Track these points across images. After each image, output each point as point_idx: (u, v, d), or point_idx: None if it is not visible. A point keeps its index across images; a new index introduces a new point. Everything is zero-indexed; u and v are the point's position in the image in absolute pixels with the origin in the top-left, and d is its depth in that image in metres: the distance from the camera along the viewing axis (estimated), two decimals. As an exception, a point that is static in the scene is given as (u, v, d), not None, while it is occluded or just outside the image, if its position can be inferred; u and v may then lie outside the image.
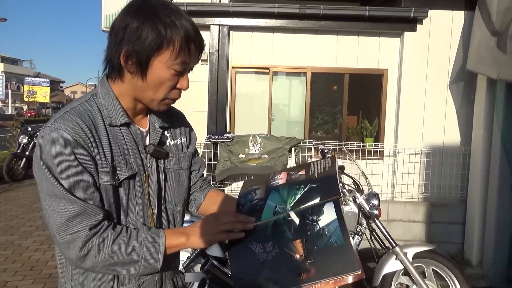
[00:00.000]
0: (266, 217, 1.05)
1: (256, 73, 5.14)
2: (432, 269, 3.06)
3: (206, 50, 4.91)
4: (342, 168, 3.11)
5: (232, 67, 4.99)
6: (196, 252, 2.95)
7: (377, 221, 2.98)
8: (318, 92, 5.14)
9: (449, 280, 3.04)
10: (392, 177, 4.85)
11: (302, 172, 1.15)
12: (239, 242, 1.03)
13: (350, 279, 0.87)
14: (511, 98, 4.05)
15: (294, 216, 1.00)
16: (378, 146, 4.83)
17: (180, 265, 3.05)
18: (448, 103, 4.78)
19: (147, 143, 1.13)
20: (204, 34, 4.94)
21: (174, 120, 1.28)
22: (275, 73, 5.08)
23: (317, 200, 1.01)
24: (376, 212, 2.94)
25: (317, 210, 0.99)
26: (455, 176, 4.71)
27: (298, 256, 0.92)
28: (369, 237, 3.07)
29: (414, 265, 2.95)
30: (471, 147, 4.61)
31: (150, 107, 1.10)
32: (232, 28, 4.91)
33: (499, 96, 4.12)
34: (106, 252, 0.94)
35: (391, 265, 2.95)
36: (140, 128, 1.13)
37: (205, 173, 1.44)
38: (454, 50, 4.73)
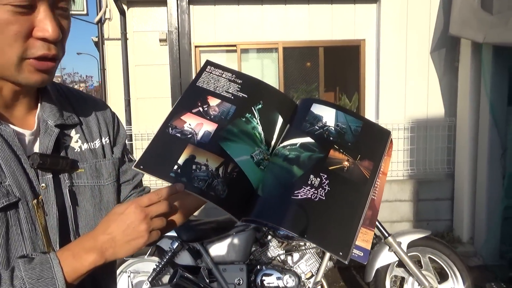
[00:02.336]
0: (256, 175, 0.78)
1: (223, 51, 4.68)
2: (429, 257, 2.78)
3: (164, 28, 4.40)
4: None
5: (195, 46, 4.50)
6: (163, 262, 2.55)
7: (366, 210, 2.65)
8: (292, 68, 4.75)
9: (447, 268, 2.76)
10: (375, 155, 4.54)
11: (214, 101, 0.85)
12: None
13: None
14: (500, 62, 3.77)
15: (304, 139, 0.83)
16: (359, 124, 4.49)
17: (146, 278, 2.66)
18: (430, 73, 4.49)
19: (36, 150, 0.75)
20: (161, 10, 4.42)
21: (87, 111, 0.88)
22: (243, 51, 4.63)
23: (278, 116, 0.85)
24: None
25: (313, 117, 0.86)
26: (441, 150, 4.46)
27: (346, 163, 0.81)
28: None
29: (409, 254, 2.66)
30: (456, 118, 4.34)
31: (13, 81, 0.70)
32: (191, 1, 4.40)
33: (486, 61, 3.83)
34: None
35: (385, 258, 2.64)
36: (19, 130, 0.75)
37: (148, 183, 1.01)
38: (435, 14, 4.39)
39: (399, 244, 2.61)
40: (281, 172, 0.79)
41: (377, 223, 2.64)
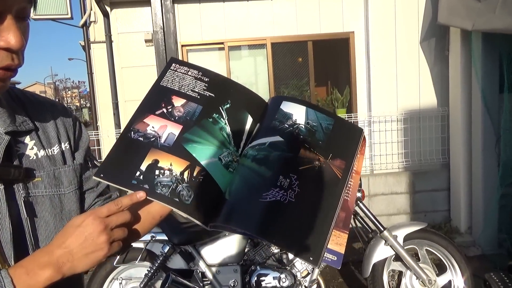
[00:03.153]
0: (225, 179, 0.74)
1: (210, 49, 4.60)
2: (426, 249, 2.73)
3: (149, 29, 4.32)
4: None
5: (182, 45, 4.43)
6: (154, 267, 2.49)
7: (360, 204, 2.60)
8: (281, 64, 4.68)
9: (445, 260, 2.72)
10: (369, 148, 4.49)
11: (179, 102, 0.81)
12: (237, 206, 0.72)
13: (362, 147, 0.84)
14: (490, 49, 3.72)
15: (273, 138, 0.78)
16: (351, 117, 4.45)
17: (138, 284, 2.59)
18: (421, 63, 4.44)
19: None
20: (144, 11, 4.35)
21: (44, 116, 0.81)
22: (231, 48, 4.55)
23: (247, 115, 0.81)
24: (359, 194, 2.55)
25: (282, 115, 0.81)
26: (435, 140, 4.41)
27: (317, 163, 0.77)
28: (353, 223, 2.69)
29: (405, 247, 2.61)
30: (449, 107, 4.29)
31: None
32: (176, 0, 4.32)
33: (476, 48, 3.78)
34: None
35: (381, 252, 2.59)
36: None
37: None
38: (423, 4, 4.34)
39: (395, 237, 2.56)
40: (249, 173, 0.74)
41: (372, 217, 2.59)
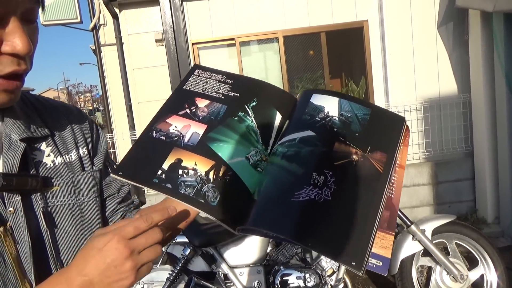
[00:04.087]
0: (253, 179, 0.68)
1: (221, 46, 4.53)
2: (456, 243, 2.62)
3: (159, 28, 4.27)
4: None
5: (193, 44, 4.37)
6: (176, 270, 2.44)
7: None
8: (294, 57, 4.58)
9: (476, 253, 2.60)
10: (388, 140, 4.36)
11: (203, 102, 0.76)
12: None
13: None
14: (513, 31, 3.55)
15: (303, 133, 0.72)
16: (368, 108, 4.32)
17: (160, 288, 2.55)
18: (439, 49, 4.29)
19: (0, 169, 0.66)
20: (153, 10, 4.30)
21: (59, 121, 0.78)
22: (242, 44, 4.48)
23: (275, 112, 0.76)
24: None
25: (313, 108, 0.75)
26: (457, 129, 4.26)
27: (355, 157, 0.69)
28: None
29: (434, 242, 2.51)
30: (470, 93, 4.14)
31: None
32: (184, -2, 4.26)
33: (498, 30, 3.62)
34: None
35: (409, 248, 2.49)
36: None
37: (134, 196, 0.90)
38: (439, -13, 4.19)
39: (423, 232, 2.46)
40: (279, 172, 0.68)
41: (398, 211, 2.49)
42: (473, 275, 2.58)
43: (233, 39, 4.41)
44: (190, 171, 0.65)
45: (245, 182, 0.66)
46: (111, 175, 0.68)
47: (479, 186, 4.13)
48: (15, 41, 0.58)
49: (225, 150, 0.68)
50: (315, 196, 0.64)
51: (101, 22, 4.76)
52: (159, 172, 0.64)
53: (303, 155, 0.69)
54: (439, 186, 4.25)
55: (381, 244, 0.71)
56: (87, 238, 0.73)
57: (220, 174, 0.66)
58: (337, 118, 0.74)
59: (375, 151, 0.71)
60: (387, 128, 0.75)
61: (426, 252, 2.52)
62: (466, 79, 4.19)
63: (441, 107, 4.29)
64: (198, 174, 0.65)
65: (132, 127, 4.49)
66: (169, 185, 0.63)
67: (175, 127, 0.71)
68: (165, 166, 0.65)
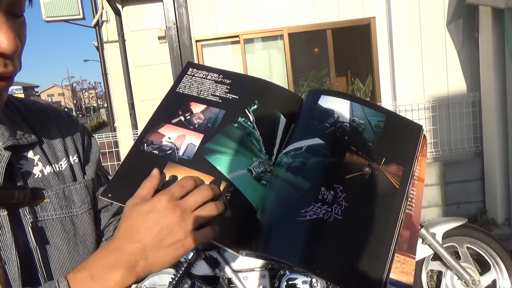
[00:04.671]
0: (257, 193, 0.61)
1: (225, 43, 4.46)
2: (467, 247, 2.54)
3: (162, 25, 4.20)
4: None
5: (196, 41, 4.30)
6: (179, 274, 2.39)
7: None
8: (299, 55, 4.51)
9: (488, 258, 2.52)
10: (395, 139, 4.28)
11: (198, 107, 0.69)
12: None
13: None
14: (526, 28, 3.45)
15: (310, 141, 0.65)
16: (375, 107, 4.24)
17: (162, 292, 2.49)
18: (448, 47, 4.19)
19: None
20: (156, 6, 4.23)
21: (48, 126, 0.71)
22: (247, 41, 4.40)
23: (279, 116, 0.68)
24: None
25: (321, 112, 0.67)
26: (466, 128, 4.17)
27: (368, 169, 0.62)
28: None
29: (445, 245, 2.43)
30: (480, 92, 4.05)
31: None
32: (188, -6, 4.19)
33: (509, 27, 3.52)
34: None
35: (419, 252, 2.41)
36: None
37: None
38: (449, -17, 4.10)
39: (433, 235, 2.38)
40: (283, 186, 0.60)
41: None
42: (485, 280, 2.50)
43: (237, 36, 4.33)
44: None
45: (248, 198, 0.60)
46: (100, 196, 0.61)
47: (488, 187, 4.05)
48: (0, 39, 0.51)
49: (224, 163, 0.61)
50: (323, 214, 0.57)
51: (104, 18, 4.71)
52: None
53: (310, 167, 0.61)
54: (448, 186, 4.16)
55: (401, 269, 0.64)
56: (81, 254, 0.68)
57: (220, 191, 0.59)
58: (348, 125, 0.66)
59: (390, 163, 0.64)
60: (403, 137, 0.68)
61: (436, 256, 2.45)
62: (476, 77, 4.09)
63: (450, 106, 4.20)
64: None
65: (134, 125, 4.44)
66: None
67: (169, 138, 0.64)
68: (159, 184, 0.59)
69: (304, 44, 4.51)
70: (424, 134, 0.71)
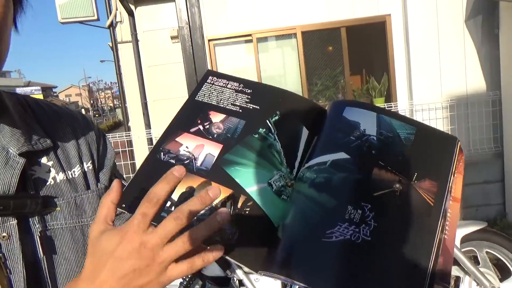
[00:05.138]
0: (277, 209, 0.57)
1: (238, 42, 4.45)
2: (486, 251, 2.46)
3: (175, 25, 4.20)
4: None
5: (209, 40, 4.30)
6: (190, 275, 2.37)
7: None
8: (313, 54, 4.46)
9: (509, 263, 2.44)
10: (411, 139, 4.20)
11: (217, 116, 0.66)
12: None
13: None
14: (549, 23, 3.33)
15: (335, 155, 0.61)
16: (391, 106, 4.16)
17: (173, 293, 2.48)
18: (466, 44, 4.09)
19: None
20: (169, 6, 4.24)
21: (63, 130, 0.69)
22: (259, 40, 4.38)
23: (302, 127, 0.64)
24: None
25: (346, 124, 0.63)
26: (486, 128, 4.06)
27: (398, 186, 0.57)
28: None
29: (463, 250, 2.35)
30: (500, 91, 3.93)
31: None
32: (200, -7, 4.18)
33: (532, 24, 3.40)
34: None
35: (435, 256, 2.34)
36: None
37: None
38: (468, -22, 3.99)
39: (451, 239, 2.31)
40: (306, 204, 0.56)
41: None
42: (505, 286, 2.41)
43: (250, 35, 4.31)
44: None
45: (268, 214, 0.56)
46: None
47: (509, 189, 3.93)
48: None
49: (244, 175, 0.58)
50: (351, 235, 0.53)
51: (118, 19, 4.74)
52: (168, 203, 0.54)
53: (336, 184, 0.57)
54: (466, 188, 4.05)
55: None
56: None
57: (239, 205, 0.56)
58: (375, 138, 0.62)
59: (423, 178, 0.59)
60: (436, 150, 0.63)
61: (454, 261, 2.37)
62: (496, 76, 3.99)
63: (469, 105, 4.10)
64: (213, 206, 0.55)
65: (148, 125, 4.46)
66: None
67: (186, 147, 0.61)
68: (175, 196, 0.55)
69: (318, 43, 4.46)
70: (460, 147, 0.65)
